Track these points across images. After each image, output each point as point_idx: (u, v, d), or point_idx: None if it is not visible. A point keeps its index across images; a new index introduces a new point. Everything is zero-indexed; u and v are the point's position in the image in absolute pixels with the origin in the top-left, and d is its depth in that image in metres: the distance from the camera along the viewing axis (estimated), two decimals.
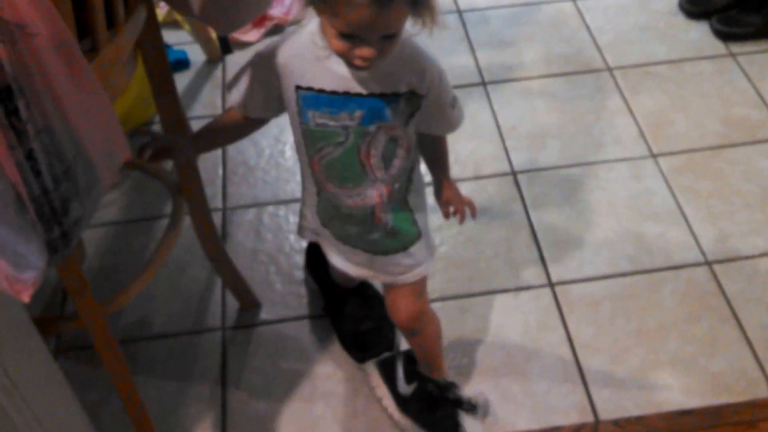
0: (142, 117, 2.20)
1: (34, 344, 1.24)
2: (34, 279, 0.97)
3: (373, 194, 1.30)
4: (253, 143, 2.19)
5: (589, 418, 1.60)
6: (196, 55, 2.46)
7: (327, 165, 1.26)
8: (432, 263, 1.44)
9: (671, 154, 2.12)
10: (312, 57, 1.18)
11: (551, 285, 1.83)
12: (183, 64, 2.43)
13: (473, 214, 1.42)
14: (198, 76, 2.43)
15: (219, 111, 2.27)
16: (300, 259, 1.89)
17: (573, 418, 1.60)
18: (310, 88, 1.20)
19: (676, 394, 1.64)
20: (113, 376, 1.37)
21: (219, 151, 2.16)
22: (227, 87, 1.39)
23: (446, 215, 1.42)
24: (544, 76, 2.37)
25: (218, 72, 2.44)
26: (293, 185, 2.07)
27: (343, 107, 1.19)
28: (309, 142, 1.26)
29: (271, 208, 2.03)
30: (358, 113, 1.19)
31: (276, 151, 2.17)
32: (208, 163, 2.12)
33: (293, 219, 1.99)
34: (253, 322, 1.79)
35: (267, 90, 1.25)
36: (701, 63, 2.37)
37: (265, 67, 1.23)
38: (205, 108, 2.30)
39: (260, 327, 1.78)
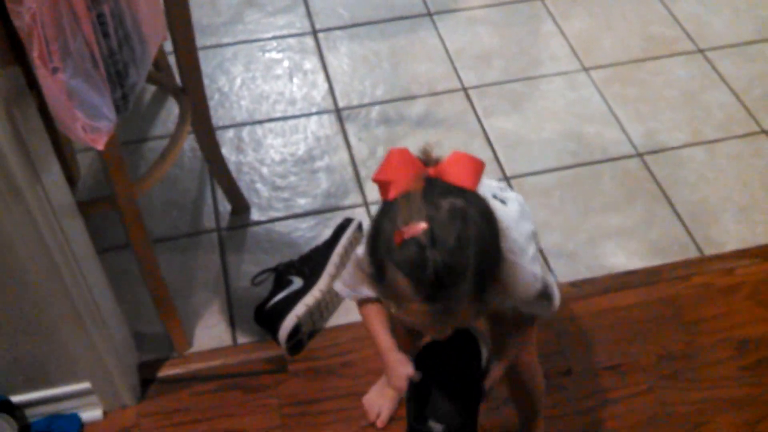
0: None
1: (78, 223, 1.46)
2: (107, 128, 1.14)
3: None
4: (224, 72, 2.37)
5: None
6: None
7: None
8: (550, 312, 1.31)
9: (600, 67, 2.39)
10: None
11: (507, 179, 2.08)
12: None
13: None
14: None
15: None
16: (281, 169, 2.10)
17: None
18: None
19: (621, 259, 1.91)
20: (139, 253, 1.55)
21: None
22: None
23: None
24: (483, 7, 2.60)
25: None
26: (266, 107, 2.27)
27: None
28: None
29: (248, 127, 2.22)
30: None
31: (246, 78, 2.36)
32: None
33: (271, 136, 2.19)
34: (246, 223, 1.98)
35: None
36: None
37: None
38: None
39: (253, 227, 1.98)
